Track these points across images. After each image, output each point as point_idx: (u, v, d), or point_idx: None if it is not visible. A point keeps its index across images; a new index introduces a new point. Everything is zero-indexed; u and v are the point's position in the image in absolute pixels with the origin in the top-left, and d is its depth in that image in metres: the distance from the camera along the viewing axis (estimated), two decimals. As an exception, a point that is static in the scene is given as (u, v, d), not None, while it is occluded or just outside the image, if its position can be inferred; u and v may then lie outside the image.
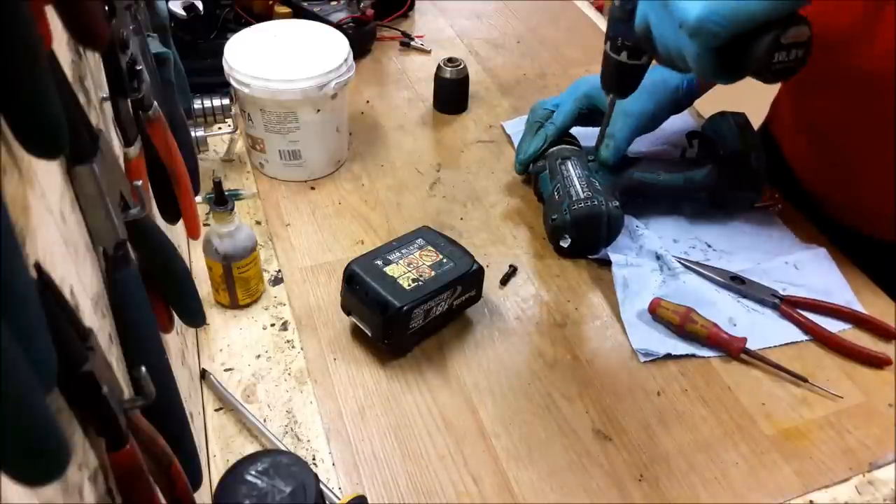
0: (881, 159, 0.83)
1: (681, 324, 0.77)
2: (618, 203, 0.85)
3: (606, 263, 0.85)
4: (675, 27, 0.61)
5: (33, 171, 0.30)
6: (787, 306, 0.80)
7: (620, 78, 0.75)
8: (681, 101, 0.92)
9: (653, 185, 0.90)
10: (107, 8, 0.44)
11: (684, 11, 0.59)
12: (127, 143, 0.48)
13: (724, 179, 0.88)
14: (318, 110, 0.92)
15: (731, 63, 0.61)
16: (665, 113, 0.92)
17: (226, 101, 0.96)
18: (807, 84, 0.90)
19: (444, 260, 0.76)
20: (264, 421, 0.69)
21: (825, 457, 0.69)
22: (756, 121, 1.04)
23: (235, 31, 0.98)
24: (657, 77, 0.88)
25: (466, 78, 1.10)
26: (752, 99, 1.00)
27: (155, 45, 0.68)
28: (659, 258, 0.86)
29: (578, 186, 0.86)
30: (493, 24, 1.35)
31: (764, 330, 0.79)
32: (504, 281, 0.85)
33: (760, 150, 0.87)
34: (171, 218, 0.61)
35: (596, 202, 0.84)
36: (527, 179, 0.97)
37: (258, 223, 0.91)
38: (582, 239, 0.85)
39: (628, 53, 0.72)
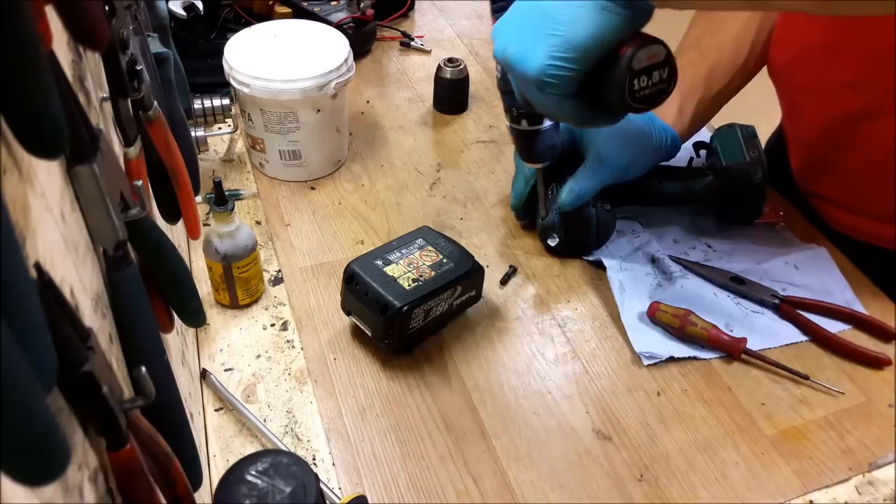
0: (877, 164, 0.82)
1: (681, 326, 0.77)
2: (609, 206, 0.85)
3: (604, 265, 0.85)
4: (526, 85, 0.59)
5: (33, 171, 0.30)
6: (787, 306, 0.80)
7: (531, 145, 0.74)
8: (667, 150, 0.87)
9: (651, 191, 0.89)
10: (107, 8, 0.44)
11: (523, 69, 0.57)
12: (127, 143, 0.48)
13: (723, 191, 0.87)
14: (318, 110, 0.92)
15: (598, 104, 0.59)
16: (645, 162, 0.86)
17: (226, 101, 0.96)
18: (795, 94, 0.90)
19: (444, 260, 0.76)
20: (264, 421, 0.69)
21: (825, 457, 0.69)
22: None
23: (235, 31, 0.98)
24: (638, 128, 0.84)
25: (466, 78, 1.10)
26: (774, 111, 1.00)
27: (155, 45, 0.68)
28: (654, 261, 0.86)
29: None
30: (493, 24, 1.35)
31: (764, 331, 0.79)
32: (504, 281, 0.85)
33: (761, 165, 0.85)
34: (171, 218, 0.61)
35: (585, 204, 0.84)
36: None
37: (258, 223, 0.91)
38: (570, 239, 0.85)
39: (528, 121, 0.71)
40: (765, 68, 0.92)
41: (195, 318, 0.55)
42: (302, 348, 0.76)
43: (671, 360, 0.76)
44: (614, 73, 0.56)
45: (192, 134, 0.89)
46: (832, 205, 0.92)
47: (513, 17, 0.61)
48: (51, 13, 0.32)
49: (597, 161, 0.83)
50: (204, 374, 0.73)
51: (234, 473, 0.43)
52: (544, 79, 0.57)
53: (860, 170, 0.84)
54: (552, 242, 0.86)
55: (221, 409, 0.71)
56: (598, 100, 0.59)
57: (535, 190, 0.85)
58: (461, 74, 1.09)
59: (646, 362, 0.76)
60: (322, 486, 0.62)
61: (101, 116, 0.47)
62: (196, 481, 0.47)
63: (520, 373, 0.75)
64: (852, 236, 0.90)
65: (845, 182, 0.88)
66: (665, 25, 0.70)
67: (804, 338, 0.79)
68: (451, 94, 1.11)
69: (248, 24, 1.08)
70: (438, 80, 1.10)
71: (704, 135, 0.98)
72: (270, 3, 1.20)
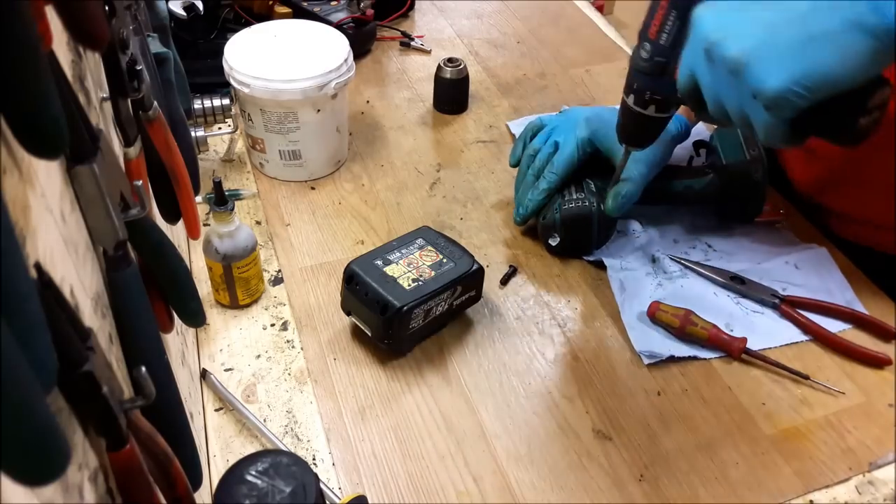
0: (881, 172, 0.82)
1: (681, 326, 0.77)
2: None
3: (605, 265, 0.85)
4: (744, 94, 0.55)
5: (33, 171, 0.30)
6: (787, 306, 0.80)
7: (644, 131, 0.73)
8: (682, 136, 0.88)
9: (651, 190, 0.89)
10: (107, 8, 0.44)
11: (761, 81, 0.53)
12: (127, 143, 0.48)
13: (724, 190, 0.87)
14: (318, 110, 0.92)
15: (801, 128, 0.56)
16: (669, 152, 0.88)
17: (226, 101, 0.96)
18: None
19: (444, 260, 0.76)
20: (264, 421, 0.69)
21: (825, 457, 0.69)
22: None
23: (235, 31, 0.98)
24: None
25: (466, 78, 1.10)
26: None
27: (155, 45, 0.68)
28: (655, 261, 0.86)
29: (573, 186, 0.86)
30: (493, 24, 1.35)
31: (764, 330, 0.79)
32: (504, 281, 0.85)
33: (762, 164, 0.85)
34: (171, 218, 0.61)
35: (586, 203, 0.84)
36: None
37: (258, 223, 0.91)
38: (571, 239, 0.85)
39: (657, 107, 0.69)
40: None
41: (195, 318, 0.55)
42: (302, 348, 0.76)
43: (671, 359, 0.76)
44: (848, 108, 0.54)
45: (192, 134, 0.89)
46: (845, 218, 0.91)
47: (762, 16, 0.55)
48: (51, 13, 0.32)
49: (636, 161, 0.82)
50: (204, 374, 0.73)
51: (234, 473, 0.43)
52: (778, 101, 0.53)
53: (881, 181, 0.83)
54: (553, 242, 0.86)
55: (221, 409, 0.71)
56: (806, 123, 0.55)
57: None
58: (461, 74, 1.09)
59: (646, 361, 0.76)
60: (322, 486, 0.62)
61: (101, 116, 0.47)
62: (196, 481, 0.47)
63: (520, 373, 0.75)
64: (859, 243, 0.90)
65: (864, 194, 0.87)
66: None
67: (804, 337, 0.79)
68: (451, 94, 1.11)
69: (248, 24, 1.08)
70: (438, 80, 1.10)
71: (704, 133, 0.97)
72: (270, 3, 1.20)
